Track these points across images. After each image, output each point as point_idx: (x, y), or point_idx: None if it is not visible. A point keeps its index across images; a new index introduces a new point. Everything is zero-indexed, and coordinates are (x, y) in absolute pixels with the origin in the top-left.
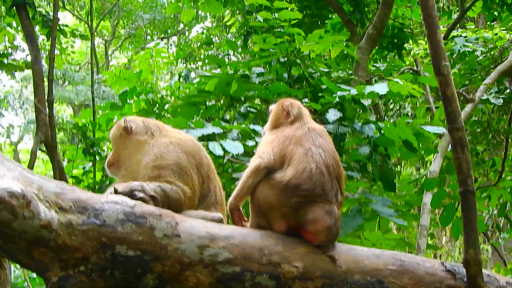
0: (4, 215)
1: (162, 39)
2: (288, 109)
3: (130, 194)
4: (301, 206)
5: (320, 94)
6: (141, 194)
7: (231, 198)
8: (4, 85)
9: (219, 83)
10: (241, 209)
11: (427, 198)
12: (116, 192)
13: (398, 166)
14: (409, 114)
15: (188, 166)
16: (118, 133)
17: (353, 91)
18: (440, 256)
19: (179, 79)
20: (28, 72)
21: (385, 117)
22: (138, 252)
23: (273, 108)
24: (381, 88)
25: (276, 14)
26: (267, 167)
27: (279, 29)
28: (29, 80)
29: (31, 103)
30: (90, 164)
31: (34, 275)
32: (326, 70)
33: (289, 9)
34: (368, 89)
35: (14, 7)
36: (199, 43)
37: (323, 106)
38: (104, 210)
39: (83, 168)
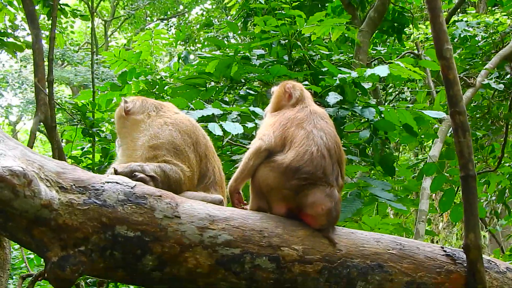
0: (5, 194)
1: (162, 20)
2: (291, 91)
3: (130, 175)
4: (302, 189)
5: (320, 77)
6: (141, 175)
7: (231, 181)
8: (3, 65)
9: (220, 64)
10: (241, 192)
11: (426, 183)
12: (116, 172)
13: (396, 151)
14: (408, 98)
15: (183, 144)
16: (119, 113)
17: (354, 74)
18: (437, 241)
19: (178, 60)
20: (28, 51)
21: (384, 101)
22: (138, 232)
23: (275, 90)
24: (382, 70)
25: None
26: (267, 149)
27: (280, 11)
28: (29, 60)
29: (30, 83)
30: (89, 144)
31: (32, 255)
32: (327, 53)
33: None
34: (369, 71)
35: None
36: (198, 25)
37: (324, 89)
38: (104, 190)
39: (82, 149)
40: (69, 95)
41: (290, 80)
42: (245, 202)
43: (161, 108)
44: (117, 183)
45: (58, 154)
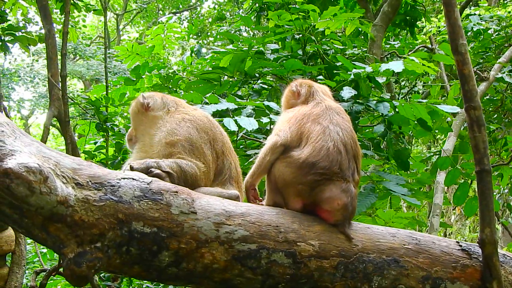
0: (21, 191)
1: (174, 13)
2: (298, 89)
3: (146, 171)
4: (318, 184)
5: (335, 72)
6: (157, 171)
7: (247, 176)
8: (15, 59)
9: (234, 59)
10: (257, 188)
11: (441, 177)
12: (132, 169)
13: (409, 144)
14: (421, 92)
15: (199, 141)
16: (136, 108)
17: (368, 69)
18: (450, 234)
19: (191, 54)
20: (40, 46)
21: (399, 95)
22: (155, 228)
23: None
24: (396, 65)
25: None
26: (283, 145)
27: (293, 6)
28: (40, 54)
29: (42, 77)
30: (102, 139)
31: (45, 250)
32: (341, 47)
33: None
34: (384, 66)
35: None
36: (210, 19)
37: (338, 84)
38: (120, 187)
39: (95, 143)
40: (81, 89)
41: (297, 79)
42: (260, 198)
43: (180, 104)
44: (133, 179)
45: (72, 149)
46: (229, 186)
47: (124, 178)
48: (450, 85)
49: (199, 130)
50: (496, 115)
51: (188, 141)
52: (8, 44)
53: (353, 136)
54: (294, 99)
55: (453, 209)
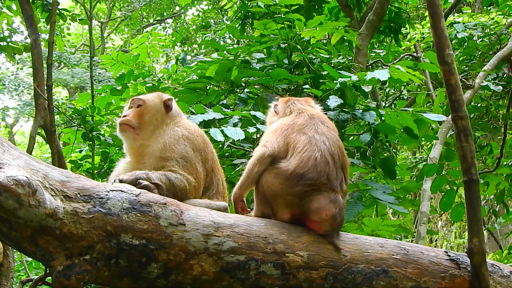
0: (10, 204)
1: (158, 21)
2: (275, 109)
3: (135, 183)
4: (306, 195)
5: (320, 81)
6: (145, 182)
7: (235, 188)
8: None
9: (220, 68)
10: (245, 200)
11: (427, 185)
12: (120, 181)
13: (394, 150)
14: (405, 98)
15: (194, 160)
16: (159, 105)
17: (354, 78)
18: (436, 240)
19: (176, 62)
20: (25, 54)
21: (385, 102)
22: (143, 240)
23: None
24: (382, 74)
25: (277, 0)
26: (271, 156)
27: (279, 15)
28: (25, 62)
29: (27, 85)
30: (87, 147)
31: (30, 259)
32: (327, 56)
33: None
34: (369, 75)
35: None
36: (195, 26)
37: (324, 93)
38: (109, 199)
39: (80, 151)
40: (66, 97)
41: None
42: (249, 209)
43: (180, 114)
44: (121, 191)
45: (58, 158)
46: (216, 200)
47: (112, 190)
48: (435, 94)
49: (195, 150)
50: (481, 122)
51: (183, 158)
52: None
53: (340, 145)
54: (275, 117)
55: (439, 216)
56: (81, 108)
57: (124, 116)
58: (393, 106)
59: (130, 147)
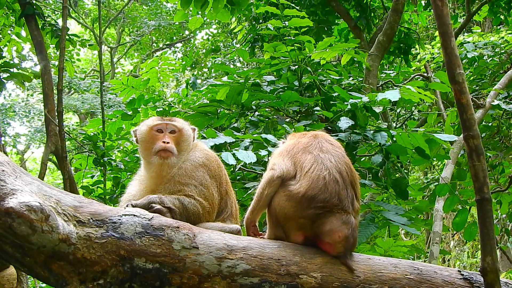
0: (23, 229)
1: (168, 46)
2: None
3: (147, 207)
4: (318, 217)
5: (331, 102)
6: (157, 206)
7: (247, 213)
8: (10, 94)
9: (230, 92)
10: (257, 224)
11: (439, 204)
12: (133, 205)
13: (406, 170)
14: (416, 118)
15: (210, 186)
16: (192, 133)
17: (365, 99)
18: (449, 260)
19: (186, 86)
20: (34, 81)
21: (396, 123)
22: (157, 264)
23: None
24: (393, 95)
25: (286, 22)
26: (280, 177)
27: (289, 37)
28: (35, 89)
29: (37, 112)
30: (99, 173)
31: (44, 284)
32: (337, 77)
33: (299, 17)
34: (380, 96)
35: (24, 17)
36: (204, 50)
37: (335, 114)
38: (122, 223)
39: (92, 177)
40: (77, 123)
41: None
42: (261, 233)
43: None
44: (134, 215)
45: (70, 184)
46: (229, 223)
47: (125, 215)
48: (446, 113)
49: (211, 176)
50: (492, 142)
51: (202, 185)
52: (3, 80)
53: (346, 161)
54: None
55: (452, 236)
56: (92, 134)
57: (167, 142)
58: (404, 127)
59: (160, 173)
